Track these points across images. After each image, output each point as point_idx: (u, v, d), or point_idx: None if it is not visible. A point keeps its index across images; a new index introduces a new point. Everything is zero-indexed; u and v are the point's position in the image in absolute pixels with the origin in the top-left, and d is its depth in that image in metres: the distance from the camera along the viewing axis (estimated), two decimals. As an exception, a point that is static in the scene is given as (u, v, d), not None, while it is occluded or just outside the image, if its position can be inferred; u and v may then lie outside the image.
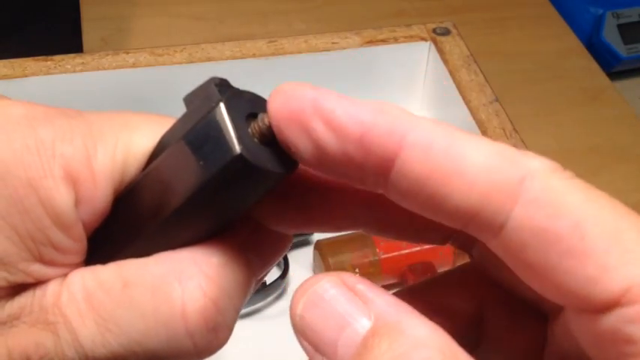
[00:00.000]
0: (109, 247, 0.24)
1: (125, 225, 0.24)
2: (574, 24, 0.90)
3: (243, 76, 0.68)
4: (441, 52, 0.70)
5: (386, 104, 0.22)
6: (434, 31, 0.72)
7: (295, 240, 0.62)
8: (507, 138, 0.62)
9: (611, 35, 0.89)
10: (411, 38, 0.71)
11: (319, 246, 0.58)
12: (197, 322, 0.23)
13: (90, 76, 0.64)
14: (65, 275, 0.23)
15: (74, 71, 0.64)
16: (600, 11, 0.90)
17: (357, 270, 0.57)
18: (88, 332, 0.22)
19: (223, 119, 0.22)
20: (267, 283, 0.57)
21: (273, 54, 0.68)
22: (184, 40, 0.80)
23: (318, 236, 0.60)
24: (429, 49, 0.71)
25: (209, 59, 0.67)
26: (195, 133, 0.22)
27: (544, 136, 0.75)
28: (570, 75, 0.84)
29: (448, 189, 0.20)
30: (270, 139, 0.22)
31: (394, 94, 0.74)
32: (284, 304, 0.59)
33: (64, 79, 0.64)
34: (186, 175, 0.22)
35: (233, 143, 0.21)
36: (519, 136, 0.62)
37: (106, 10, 0.88)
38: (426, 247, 0.59)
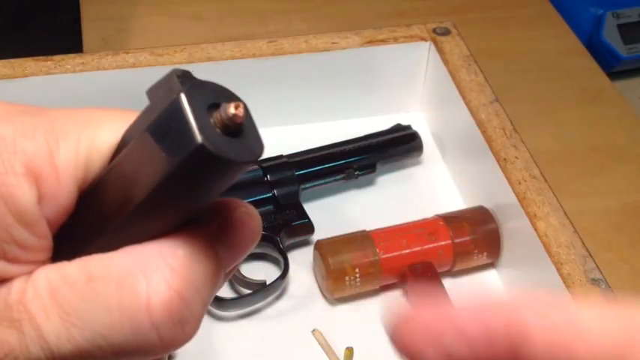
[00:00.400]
0: (74, 244, 0.24)
1: (90, 220, 0.24)
2: (574, 24, 0.90)
3: (243, 76, 0.68)
4: (441, 52, 0.70)
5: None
6: (434, 31, 0.72)
7: (295, 240, 0.62)
8: (507, 138, 0.62)
9: (611, 35, 0.89)
10: (411, 38, 0.71)
11: (319, 246, 0.58)
12: (162, 314, 0.22)
13: (90, 76, 0.64)
14: (31, 273, 0.23)
15: (74, 71, 0.64)
16: (600, 11, 0.90)
17: (357, 270, 0.57)
18: (53, 328, 0.22)
19: (184, 109, 0.22)
20: (267, 283, 0.57)
21: (273, 54, 0.68)
22: (184, 40, 0.80)
23: (317, 236, 0.60)
24: (429, 49, 0.71)
25: (209, 59, 0.67)
26: (157, 124, 0.22)
27: (544, 136, 0.75)
28: (570, 75, 0.83)
29: (574, 356, 0.22)
30: (233, 129, 0.22)
31: (394, 94, 0.74)
32: (284, 304, 0.59)
33: (64, 79, 0.64)
34: (149, 167, 0.22)
35: (195, 133, 0.21)
36: (519, 136, 0.62)
37: (106, 10, 0.88)
38: (426, 246, 0.59)
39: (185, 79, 0.23)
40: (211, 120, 0.22)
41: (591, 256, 0.54)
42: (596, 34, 0.90)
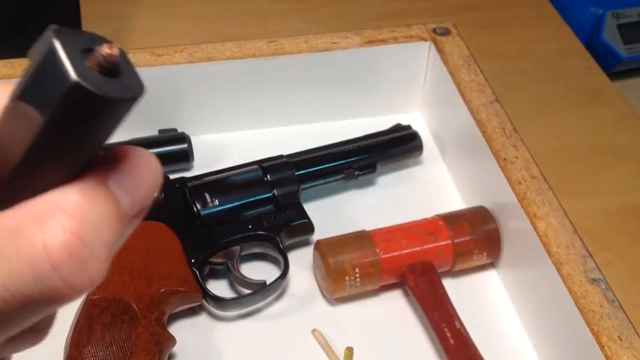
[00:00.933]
0: None
1: None
2: (574, 24, 0.90)
3: (243, 76, 0.68)
4: (441, 52, 0.70)
5: None
6: (434, 31, 0.72)
7: (295, 240, 0.62)
8: (507, 138, 0.62)
9: (611, 35, 0.89)
10: (411, 38, 0.71)
11: (319, 246, 0.58)
12: (60, 255, 0.23)
13: (90, 76, 0.64)
14: None
15: (74, 71, 0.64)
16: (600, 11, 0.90)
17: (357, 270, 0.57)
18: None
19: (57, 52, 0.22)
20: (267, 283, 0.57)
21: (273, 54, 0.68)
22: (184, 40, 0.80)
23: (317, 236, 0.60)
24: (429, 49, 0.71)
25: (209, 59, 0.67)
26: (32, 75, 0.23)
27: (544, 136, 0.75)
28: (570, 75, 0.84)
29: None
30: (109, 69, 0.23)
31: (394, 94, 0.74)
32: (284, 304, 0.59)
33: (64, 79, 0.64)
34: (27, 120, 0.23)
35: (69, 72, 0.22)
36: (519, 136, 0.62)
37: (106, 10, 0.88)
38: (426, 246, 0.59)
39: (59, 31, 0.23)
40: (86, 63, 0.22)
41: (591, 256, 0.54)
42: (596, 34, 0.90)
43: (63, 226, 0.23)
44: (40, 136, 0.23)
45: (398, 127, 0.69)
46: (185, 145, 0.66)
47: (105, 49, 0.22)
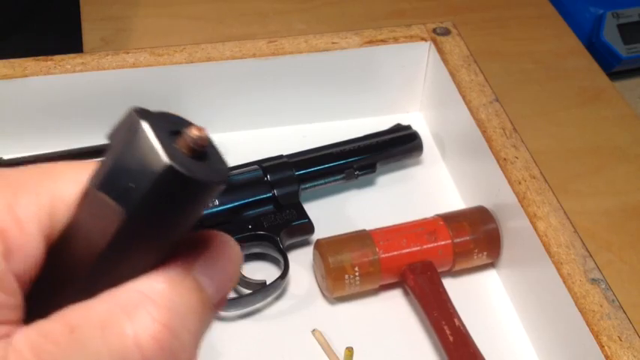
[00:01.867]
0: (48, 299, 0.23)
1: (62, 273, 0.23)
2: (574, 24, 0.90)
3: (243, 76, 0.68)
4: (441, 52, 0.70)
5: None
6: (434, 31, 0.72)
7: (295, 240, 0.62)
8: (507, 138, 0.62)
9: (611, 35, 0.89)
10: (411, 38, 0.71)
11: (319, 245, 0.58)
12: (152, 348, 0.22)
13: (90, 76, 0.64)
14: (4, 335, 0.22)
15: (74, 71, 0.64)
16: (600, 11, 0.90)
17: (356, 269, 0.57)
18: None
19: (147, 137, 0.22)
20: (267, 283, 0.57)
21: (273, 54, 0.68)
22: (184, 40, 0.80)
23: (317, 236, 0.60)
24: (429, 49, 0.71)
25: (209, 59, 0.67)
26: (117, 160, 0.22)
27: (544, 136, 0.75)
28: (570, 75, 0.83)
29: None
30: (198, 152, 0.22)
31: (394, 94, 0.74)
32: (284, 304, 0.59)
33: (64, 79, 0.64)
34: (111, 211, 0.22)
35: (162, 156, 0.21)
36: (519, 136, 0.62)
37: (106, 10, 0.88)
38: (426, 246, 0.59)
39: (143, 113, 0.23)
40: (175, 145, 0.22)
41: (591, 256, 0.54)
42: (596, 34, 0.90)
43: (152, 316, 0.22)
44: (125, 228, 0.22)
45: (398, 127, 0.69)
46: (185, 145, 0.66)
47: (194, 132, 0.22)
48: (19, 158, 0.64)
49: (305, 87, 0.70)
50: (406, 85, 0.73)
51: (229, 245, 0.25)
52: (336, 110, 0.73)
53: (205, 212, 0.58)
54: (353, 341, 0.55)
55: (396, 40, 0.71)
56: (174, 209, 0.23)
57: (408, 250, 0.58)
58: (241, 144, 0.70)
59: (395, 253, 0.58)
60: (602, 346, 0.48)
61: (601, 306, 0.50)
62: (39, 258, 0.23)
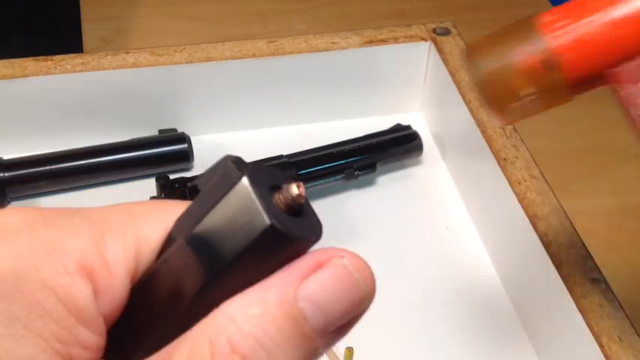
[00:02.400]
0: (131, 338, 0.23)
1: (146, 315, 0.23)
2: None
3: (243, 76, 0.68)
4: (441, 52, 0.70)
5: None
6: (434, 31, 0.72)
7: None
8: (507, 138, 0.62)
9: (611, 35, 0.89)
10: (411, 38, 0.71)
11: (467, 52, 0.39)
12: None
13: (90, 76, 0.64)
14: None
15: (74, 71, 0.64)
16: (600, 11, 0.90)
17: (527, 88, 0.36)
18: None
19: (249, 192, 0.22)
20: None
21: (273, 54, 0.68)
22: (184, 40, 0.80)
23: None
24: (429, 49, 0.71)
25: (209, 59, 0.67)
26: (220, 210, 0.22)
27: (544, 136, 0.75)
28: (570, 75, 0.83)
29: None
30: (295, 208, 0.22)
31: (394, 94, 0.74)
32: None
33: (64, 79, 0.64)
34: (212, 255, 0.22)
35: (263, 214, 0.21)
36: (519, 136, 0.62)
37: (106, 10, 0.88)
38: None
39: (239, 164, 0.23)
40: (273, 201, 0.22)
41: (591, 256, 0.54)
42: (596, 33, 0.90)
43: (232, 346, 0.21)
44: (212, 284, 0.22)
45: (398, 127, 0.69)
46: (185, 145, 0.66)
47: (294, 190, 0.22)
48: (19, 158, 0.64)
49: (305, 87, 0.70)
50: (406, 85, 0.73)
51: (347, 269, 0.22)
52: (336, 110, 0.73)
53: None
54: (353, 341, 0.55)
55: (396, 40, 0.71)
56: (266, 265, 0.22)
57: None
58: (241, 144, 0.70)
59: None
60: (602, 346, 0.48)
61: (601, 306, 0.50)
62: (124, 299, 0.23)
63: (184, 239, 0.22)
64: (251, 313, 0.21)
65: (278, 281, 0.22)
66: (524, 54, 0.36)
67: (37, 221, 0.23)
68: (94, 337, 0.22)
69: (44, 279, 0.21)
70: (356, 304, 0.22)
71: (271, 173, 0.23)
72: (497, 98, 0.38)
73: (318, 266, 0.22)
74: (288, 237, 0.21)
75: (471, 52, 0.38)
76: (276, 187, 0.22)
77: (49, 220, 0.23)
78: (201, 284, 0.22)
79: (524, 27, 0.38)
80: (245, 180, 0.22)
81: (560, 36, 0.36)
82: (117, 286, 0.22)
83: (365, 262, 0.23)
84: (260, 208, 0.21)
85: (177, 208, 0.24)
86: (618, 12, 0.33)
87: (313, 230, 0.23)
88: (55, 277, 0.21)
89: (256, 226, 0.21)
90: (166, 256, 0.23)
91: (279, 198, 0.22)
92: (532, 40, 0.36)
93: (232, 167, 0.22)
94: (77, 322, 0.22)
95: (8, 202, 0.63)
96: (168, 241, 0.23)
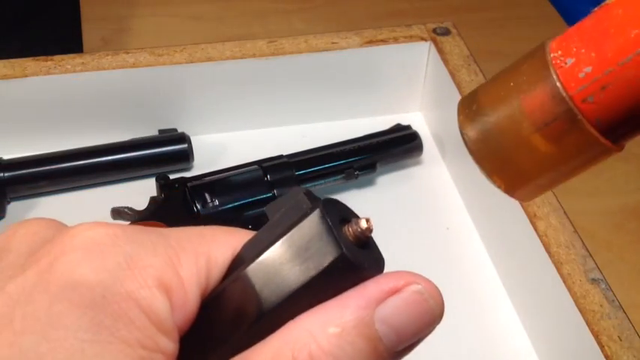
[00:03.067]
0: (198, 351, 0.25)
1: (214, 329, 0.25)
2: (574, 24, 0.90)
3: (243, 76, 0.68)
4: (441, 52, 0.70)
5: None
6: (434, 31, 0.72)
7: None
8: (507, 138, 0.62)
9: (611, 35, 0.88)
10: (411, 38, 0.71)
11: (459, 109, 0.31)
12: None
13: (90, 76, 0.64)
14: None
15: (74, 71, 0.64)
16: (600, 11, 0.90)
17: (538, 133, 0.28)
18: None
19: (324, 222, 0.23)
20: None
21: (273, 54, 0.68)
22: (184, 40, 0.79)
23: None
24: (429, 49, 0.71)
25: (209, 59, 0.67)
26: (292, 236, 0.24)
27: (544, 136, 0.75)
28: (570, 75, 0.83)
29: None
30: (364, 241, 0.24)
31: (394, 94, 0.74)
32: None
33: (64, 79, 0.64)
34: (282, 278, 0.24)
35: (336, 243, 0.23)
36: (519, 136, 0.62)
37: (106, 10, 0.88)
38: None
39: (311, 196, 0.25)
40: (344, 232, 0.24)
41: (591, 256, 0.54)
42: (596, 34, 0.90)
43: None
44: (277, 309, 0.23)
45: (398, 127, 0.69)
46: (185, 145, 0.66)
47: (363, 223, 0.24)
48: (19, 158, 0.64)
49: (305, 87, 0.70)
50: (406, 85, 0.73)
51: (422, 295, 0.24)
52: (336, 110, 0.73)
53: (205, 212, 0.58)
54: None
55: (396, 40, 0.71)
56: (330, 291, 0.24)
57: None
58: (241, 144, 0.70)
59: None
60: (602, 346, 0.48)
61: (601, 306, 0.50)
62: (194, 314, 0.25)
63: (253, 261, 0.24)
64: (330, 332, 0.23)
65: (354, 302, 0.23)
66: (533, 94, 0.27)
67: (119, 236, 0.24)
68: (173, 345, 0.24)
69: (128, 291, 0.23)
70: (426, 327, 0.24)
71: (340, 207, 0.25)
72: (518, 171, 0.30)
73: (394, 291, 0.24)
74: (356, 267, 0.23)
75: (467, 108, 0.30)
76: (345, 220, 0.24)
77: (129, 236, 0.24)
78: (270, 305, 0.24)
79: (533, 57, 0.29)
80: (319, 210, 0.24)
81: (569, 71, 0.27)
82: (190, 301, 0.24)
83: (437, 288, 0.25)
84: (333, 237, 0.23)
85: (242, 233, 0.27)
86: None
87: (377, 263, 0.24)
88: (137, 289, 0.23)
89: (328, 255, 0.23)
90: (235, 277, 0.25)
91: (348, 230, 0.24)
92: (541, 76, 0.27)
93: (304, 198, 0.25)
94: (158, 332, 0.23)
95: (8, 202, 0.63)
96: (237, 262, 0.26)
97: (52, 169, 0.63)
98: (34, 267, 0.23)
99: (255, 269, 0.24)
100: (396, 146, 0.68)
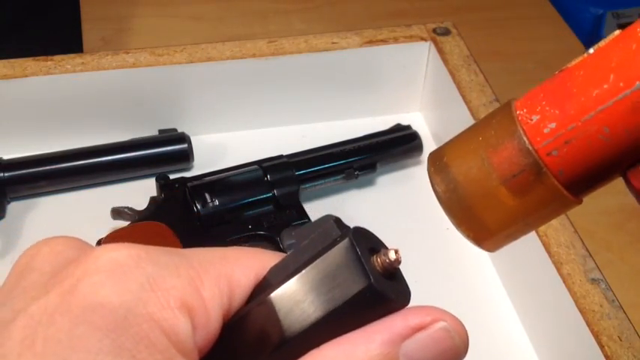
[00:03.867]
0: None
1: (236, 352, 0.25)
2: (574, 24, 0.90)
3: (243, 76, 0.68)
4: (441, 52, 0.70)
5: None
6: (434, 31, 0.72)
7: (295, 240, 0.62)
8: (507, 138, 0.62)
9: (611, 35, 0.89)
10: (411, 38, 0.71)
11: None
12: None
13: (90, 76, 0.64)
14: None
15: (74, 71, 0.64)
16: (600, 11, 0.90)
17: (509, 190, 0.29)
18: None
19: (354, 251, 0.23)
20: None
21: (273, 54, 0.68)
22: (184, 40, 0.80)
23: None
24: (429, 49, 0.71)
25: (209, 59, 0.67)
26: (320, 264, 0.24)
27: (544, 136, 0.75)
28: (570, 75, 0.83)
29: None
30: (391, 272, 0.24)
31: (394, 94, 0.74)
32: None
33: (64, 79, 0.64)
34: (308, 305, 0.24)
35: (365, 273, 0.23)
36: (519, 136, 0.62)
37: (106, 10, 0.88)
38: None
39: (340, 224, 0.25)
40: (372, 262, 0.24)
41: (591, 256, 0.54)
42: (596, 34, 0.90)
43: None
44: (299, 337, 0.23)
45: (398, 127, 0.69)
46: (185, 145, 0.66)
47: (392, 255, 0.24)
48: (19, 158, 0.64)
49: (305, 87, 0.70)
50: (406, 85, 0.73)
51: (447, 333, 0.25)
52: (336, 110, 0.73)
53: (205, 212, 0.58)
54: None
55: (396, 40, 0.71)
56: (355, 320, 0.24)
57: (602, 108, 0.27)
58: (241, 144, 0.70)
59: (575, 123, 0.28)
60: (602, 346, 0.48)
61: (601, 306, 0.50)
62: (216, 335, 0.25)
63: (279, 287, 0.24)
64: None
65: (380, 336, 0.24)
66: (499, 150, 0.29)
67: (141, 258, 0.24)
68: None
69: (150, 313, 0.23)
70: None
71: (369, 236, 0.25)
72: (482, 221, 0.30)
73: (421, 327, 0.24)
74: (383, 298, 0.23)
75: (437, 161, 0.32)
76: (373, 250, 0.24)
77: (152, 257, 0.25)
78: (293, 332, 0.24)
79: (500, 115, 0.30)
80: (349, 239, 0.24)
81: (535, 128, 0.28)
82: (212, 323, 0.24)
83: (462, 325, 0.25)
84: (362, 267, 0.23)
85: (266, 255, 0.27)
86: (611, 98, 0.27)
87: (404, 295, 0.24)
88: (159, 311, 0.23)
89: (356, 284, 0.23)
90: (260, 301, 0.25)
91: (377, 260, 0.24)
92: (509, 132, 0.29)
93: (334, 226, 0.25)
94: (178, 354, 0.23)
95: (8, 202, 0.63)
96: (262, 286, 0.25)
97: (52, 169, 0.63)
98: (57, 288, 0.23)
99: (281, 295, 0.24)
100: (396, 146, 0.68)
